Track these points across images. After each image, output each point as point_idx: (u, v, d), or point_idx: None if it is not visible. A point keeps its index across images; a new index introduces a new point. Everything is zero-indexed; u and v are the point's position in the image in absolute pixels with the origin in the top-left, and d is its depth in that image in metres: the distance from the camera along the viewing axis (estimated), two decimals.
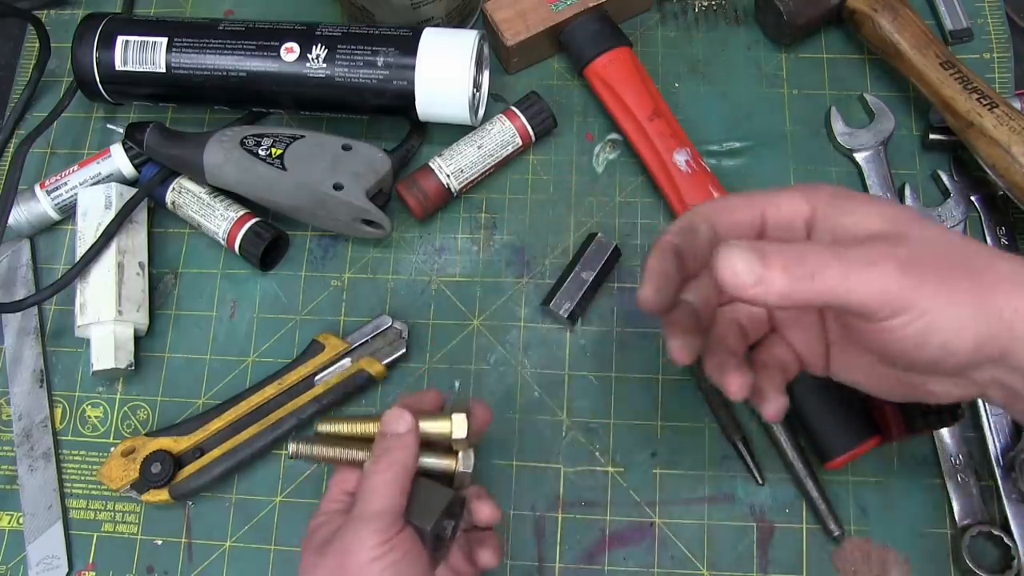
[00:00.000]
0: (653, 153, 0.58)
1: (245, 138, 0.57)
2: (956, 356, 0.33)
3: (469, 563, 0.46)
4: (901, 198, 0.58)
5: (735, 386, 0.38)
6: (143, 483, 0.54)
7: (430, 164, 0.59)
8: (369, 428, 0.46)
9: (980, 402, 0.54)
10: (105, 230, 0.58)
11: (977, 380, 0.35)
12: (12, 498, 0.57)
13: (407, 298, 0.59)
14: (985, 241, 0.58)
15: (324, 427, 0.47)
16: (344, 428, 0.46)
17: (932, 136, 0.59)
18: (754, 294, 0.32)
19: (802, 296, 0.32)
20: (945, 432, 0.53)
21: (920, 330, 0.32)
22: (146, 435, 0.56)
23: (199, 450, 0.55)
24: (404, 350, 0.56)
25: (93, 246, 0.57)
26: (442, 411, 0.48)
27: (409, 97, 0.57)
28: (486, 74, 0.61)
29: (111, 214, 0.58)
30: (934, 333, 0.33)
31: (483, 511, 0.47)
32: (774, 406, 0.40)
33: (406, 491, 0.43)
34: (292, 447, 0.46)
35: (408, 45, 0.57)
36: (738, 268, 0.32)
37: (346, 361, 0.56)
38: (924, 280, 0.32)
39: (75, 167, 0.61)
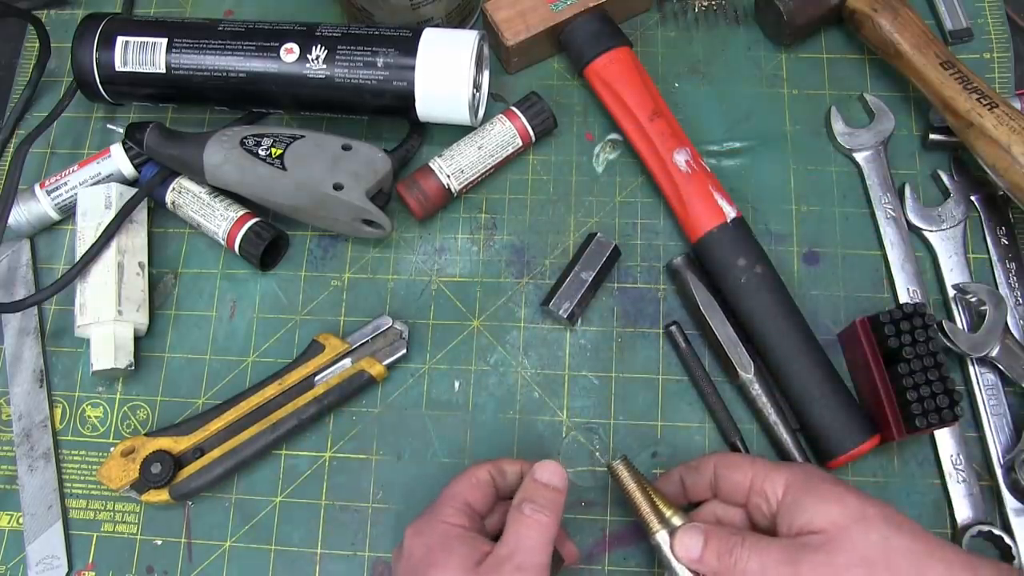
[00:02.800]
0: (653, 153, 0.58)
1: (245, 138, 0.57)
2: None
3: None
4: (901, 198, 0.58)
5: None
6: (143, 483, 0.54)
7: (430, 164, 0.59)
8: (661, 502, 0.47)
9: (980, 402, 0.54)
10: (105, 230, 0.58)
11: None
12: (12, 498, 0.57)
13: (407, 298, 0.59)
14: (985, 241, 0.58)
15: (621, 468, 0.47)
16: (640, 487, 0.47)
17: (932, 136, 0.59)
18: (695, 567, 0.44)
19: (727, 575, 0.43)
20: (945, 432, 0.53)
21: None
22: (146, 435, 0.56)
23: (199, 450, 0.55)
24: (404, 350, 0.56)
25: (93, 246, 0.57)
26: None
27: (409, 97, 0.57)
28: (486, 74, 0.61)
29: (111, 214, 0.59)
30: None
31: (569, 552, 0.49)
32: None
33: (551, 545, 0.44)
34: (618, 465, 0.47)
35: (408, 45, 0.57)
36: (688, 545, 0.44)
37: (346, 361, 0.56)
38: None
39: (75, 167, 0.61)
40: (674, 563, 0.45)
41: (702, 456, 0.50)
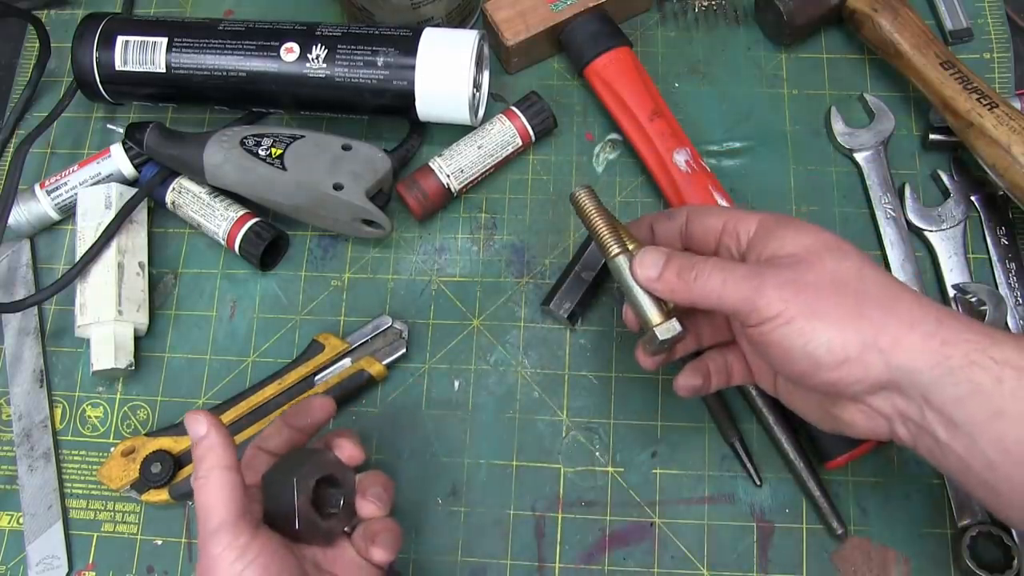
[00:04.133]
0: (653, 153, 0.58)
1: (245, 138, 0.57)
2: (822, 367, 0.37)
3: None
4: (901, 198, 0.58)
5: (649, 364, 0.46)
6: (143, 483, 0.54)
7: (430, 164, 0.59)
8: (624, 234, 0.45)
9: None
10: (105, 230, 0.58)
11: (879, 409, 0.38)
12: (12, 498, 0.57)
13: (407, 298, 0.59)
14: (985, 241, 0.58)
15: (585, 196, 0.45)
16: (605, 216, 0.44)
17: (932, 136, 0.59)
18: (653, 286, 0.42)
19: (687, 294, 0.41)
20: None
21: (784, 336, 0.38)
22: (146, 435, 0.56)
23: None
24: (404, 350, 0.56)
25: (93, 246, 0.57)
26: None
27: (409, 97, 0.57)
28: (486, 74, 0.61)
29: (111, 214, 0.59)
30: (797, 339, 0.37)
31: (344, 451, 0.46)
32: (682, 380, 0.47)
33: (237, 490, 0.40)
34: (580, 191, 0.45)
35: (408, 45, 0.57)
36: (647, 263, 0.42)
37: (346, 361, 0.56)
38: (798, 296, 0.38)
39: (75, 167, 0.61)
40: (631, 284, 0.43)
41: (674, 208, 0.47)
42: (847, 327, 0.37)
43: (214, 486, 0.39)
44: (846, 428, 0.41)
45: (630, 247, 0.44)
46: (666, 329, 0.42)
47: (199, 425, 0.41)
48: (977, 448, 0.36)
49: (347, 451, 0.46)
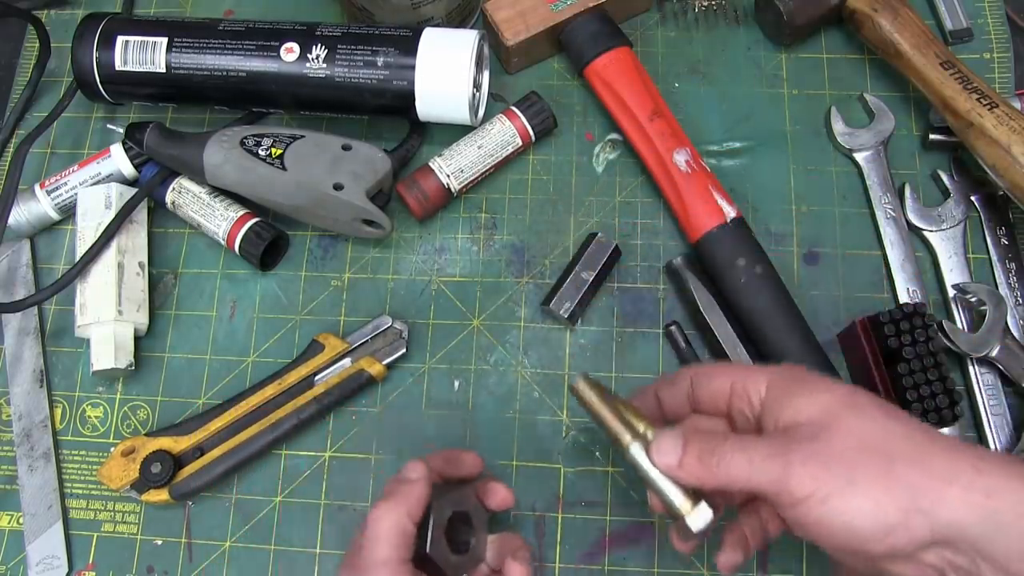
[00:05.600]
0: (653, 153, 0.58)
1: (245, 138, 0.57)
2: (867, 541, 0.36)
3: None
4: (901, 198, 0.58)
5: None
6: (143, 483, 0.54)
7: (430, 164, 0.59)
8: (634, 419, 0.42)
9: (980, 402, 0.54)
10: (105, 230, 0.58)
11: (932, 563, 0.37)
12: (12, 498, 0.57)
13: (407, 298, 0.59)
14: (985, 241, 0.58)
15: (585, 386, 0.43)
16: (610, 404, 0.42)
17: (932, 136, 0.59)
18: (675, 474, 0.39)
19: (712, 480, 0.38)
20: (945, 432, 0.53)
21: (822, 515, 0.36)
22: (146, 435, 0.56)
23: (199, 450, 0.55)
24: (404, 350, 0.56)
25: (93, 246, 0.57)
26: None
27: (409, 97, 0.57)
28: (486, 74, 0.61)
29: (111, 214, 0.58)
30: (836, 518, 0.36)
31: (497, 495, 0.47)
32: (724, 559, 0.43)
33: (408, 539, 0.43)
34: (581, 382, 0.42)
35: (408, 45, 0.57)
36: (665, 450, 0.40)
37: (346, 361, 0.56)
38: (828, 470, 0.36)
39: (75, 167, 0.61)
40: (652, 473, 0.40)
41: (676, 372, 0.46)
42: (883, 496, 0.35)
43: (392, 524, 0.42)
44: None
45: (641, 429, 0.42)
46: (699, 519, 0.40)
47: (416, 472, 0.45)
48: None
49: (500, 495, 0.47)
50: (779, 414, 0.39)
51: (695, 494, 0.40)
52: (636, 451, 0.41)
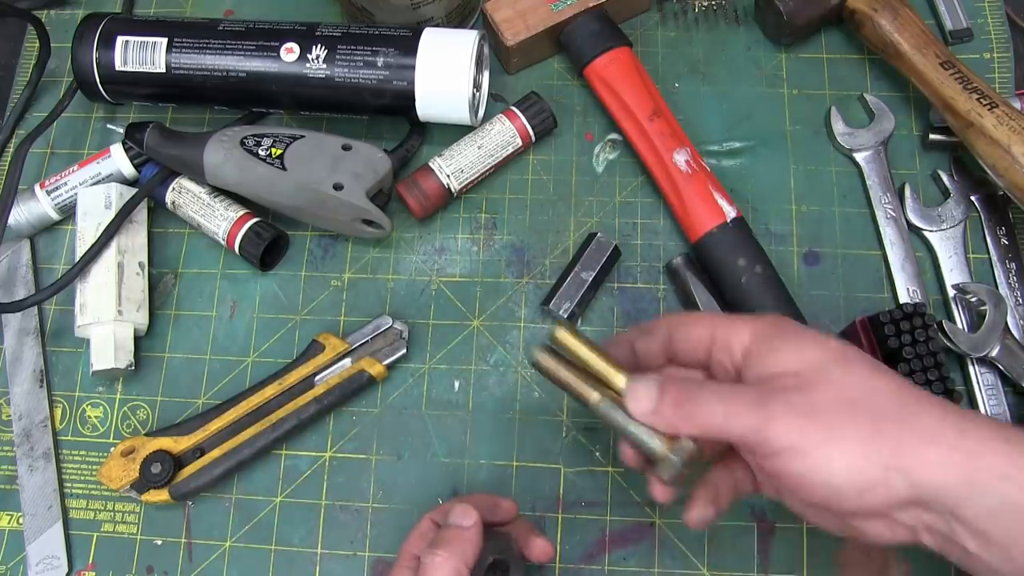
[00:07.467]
0: (653, 153, 0.58)
1: (245, 138, 0.57)
2: (844, 497, 0.35)
3: None
4: (901, 198, 0.58)
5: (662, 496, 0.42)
6: (143, 483, 0.54)
7: (430, 164, 0.59)
8: (606, 369, 0.41)
9: (980, 402, 0.54)
10: (105, 230, 0.58)
11: (905, 523, 0.36)
12: (12, 498, 0.57)
13: (407, 298, 0.59)
14: (985, 241, 0.58)
15: (564, 336, 0.41)
16: (584, 354, 0.41)
17: (932, 136, 0.59)
18: (650, 421, 0.39)
19: (688, 427, 0.38)
20: None
21: (801, 468, 0.35)
22: (146, 435, 0.56)
23: (199, 450, 0.55)
24: (404, 350, 0.56)
25: (93, 246, 0.57)
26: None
27: (409, 97, 0.57)
28: (486, 74, 0.61)
29: (111, 214, 0.58)
30: (815, 472, 0.35)
31: (540, 550, 0.47)
32: (695, 514, 0.41)
33: None
34: (539, 355, 0.41)
35: (408, 45, 0.57)
36: (639, 396, 0.39)
37: (346, 361, 0.56)
38: (810, 423, 0.35)
39: (75, 167, 0.61)
40: (625, 423, 0.39)
41: (651, 320, 0.44)
42: (865, 452, 0.35)
43: (449, 573, 0.41)
44: (868, 538, 0.38)
45: (615, 378, 0.40)
46: (681, 449, 0.39)
47: (468, 518, 0.44)
48: (1012, 560, 0.34)
49: (540, 547, 0.47)
50: (762, 365, 0.38)
51: (671, 437, 0.39)
52: (606, 405, 0.40)
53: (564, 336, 0.41)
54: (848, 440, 0.35)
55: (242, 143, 0.57)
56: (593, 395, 0.40)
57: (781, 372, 0.37)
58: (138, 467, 0.54)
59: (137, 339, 0.59)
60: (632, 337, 0.43)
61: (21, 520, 0.56)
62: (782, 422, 0.35)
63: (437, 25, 0.61)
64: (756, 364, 0.38)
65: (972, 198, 0.59)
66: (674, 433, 0.39)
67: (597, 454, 0.55)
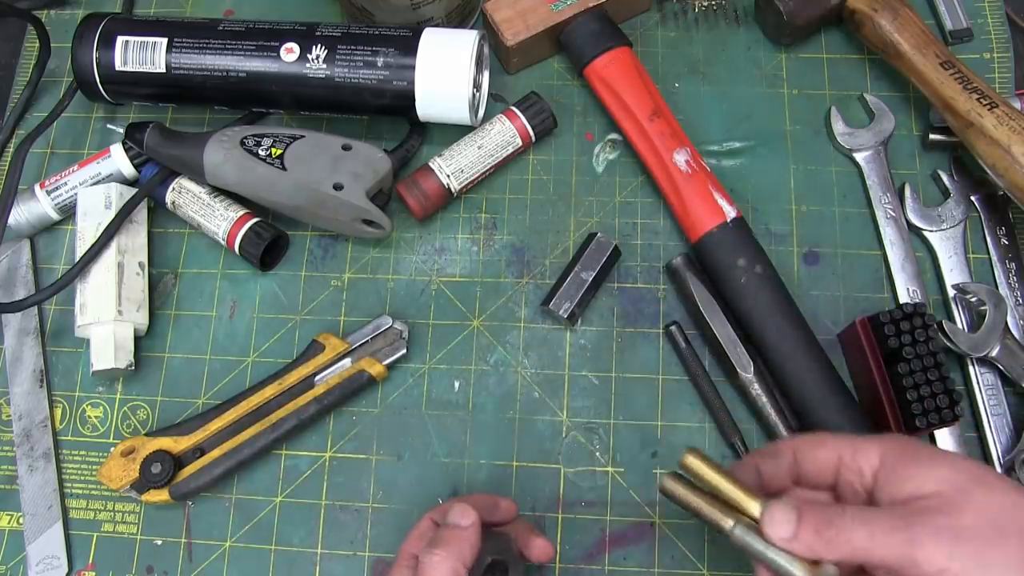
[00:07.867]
0: (653, 153, 0.58)
1: (245, 138, 0.57)
2: None
3: None
4: (901, 198, 0.58)
5: None
6: (143, 483, 0.54)
7: (430, 164, 0.59)
8: (737, 494, 0.40)
9: (980, 402, 0.54)
10: (105, 230, 0.58)
11: None
12: (12, 498, 0.57)
13: (407, 298, 0.59)
14: (985, 241, 0.58)
15: (693, 462, 0.41)
16: (714, 479, 0.41)
17: (932, 136, 0.59)
18: (789, 547, 0.38)
19: (830, 553, 0.37)
20: (945, 432, 0.53)
21: None
22: (146, 435, 0.56)
23: (199, 450, 0.55)
24: (404, 350, 0.56)
25: (93, 246, 0.57)
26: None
27: (409, 97, 0.57)
28: (486, 74, 0.61)
29: (111, 214, 0.59)
30: None
31: (540, 550, 0.47)
32: None
33: None
34: (669, 483, 0.41)
35: (408, 45, 0.57)
36: (778, 521, 0.38)
37: (346, 361, 0.56)
38: (960, 547, 0.35)
39: (75, 167, 0.61)
40: (764, 548, 0.38)
41: (777, 442, 0.44)
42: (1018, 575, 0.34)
43: (447, 573, 0.42)
44: None
45: (748, 504, 0.40)
46: (823, 574, 0.38)
47: (466, 518, 0.44)
48: None
49: (540, 547, 0.47)
50: (897, 486, 0.38)
51: (812, 562, 0.38)
52: (741, 531, 0.39)
53: (693, 462, 0.41)
54: (999, 565, 0.35)
55: (242, 143, 0.57)
56: (728, 521, 0.40)
57: (918, 494, 0.37)
58: (138, 467, 0.54)
59: (137, 339, 0.59)
60: (757, 460, 0.43)
61: (21, 520, 0.56)
62: (930, 546, 0.35)
63: (437, 25, 0.61)
64: (889, 486, 0.38)
65: (972, 198, 0.59)
66: (815, 558, 0.38)
67: (597, 454, 0.55)
